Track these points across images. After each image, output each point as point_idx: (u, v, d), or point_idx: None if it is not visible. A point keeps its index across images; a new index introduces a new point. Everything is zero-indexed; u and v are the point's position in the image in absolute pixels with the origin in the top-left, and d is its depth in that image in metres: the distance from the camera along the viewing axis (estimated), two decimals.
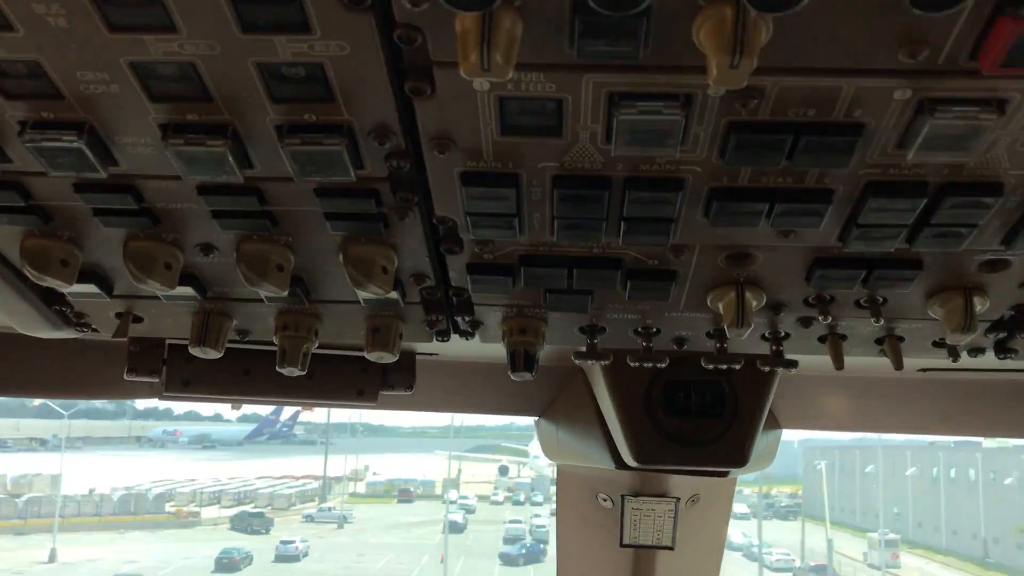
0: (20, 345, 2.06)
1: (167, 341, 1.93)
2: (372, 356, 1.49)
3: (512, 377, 1.47)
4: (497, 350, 1.52)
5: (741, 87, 0.85)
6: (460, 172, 1.09)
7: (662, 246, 1.20)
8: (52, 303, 1.48)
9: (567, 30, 0.87)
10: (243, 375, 1.96)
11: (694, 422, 1.76)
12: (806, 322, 1.41)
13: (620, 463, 1.89)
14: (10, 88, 0.99)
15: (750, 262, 1.25)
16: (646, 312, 1.42)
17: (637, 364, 1.49)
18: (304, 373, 1.49)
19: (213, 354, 1.49)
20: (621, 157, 1.04)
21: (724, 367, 1.47)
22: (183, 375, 1.93)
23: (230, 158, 1.05)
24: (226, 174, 1.07)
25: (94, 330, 1.59)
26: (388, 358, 1.49)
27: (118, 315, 1.53)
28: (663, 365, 1.50)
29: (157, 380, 1.91)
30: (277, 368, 1.48)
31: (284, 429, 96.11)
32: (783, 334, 1.46)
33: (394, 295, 1.33)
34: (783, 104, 0.95)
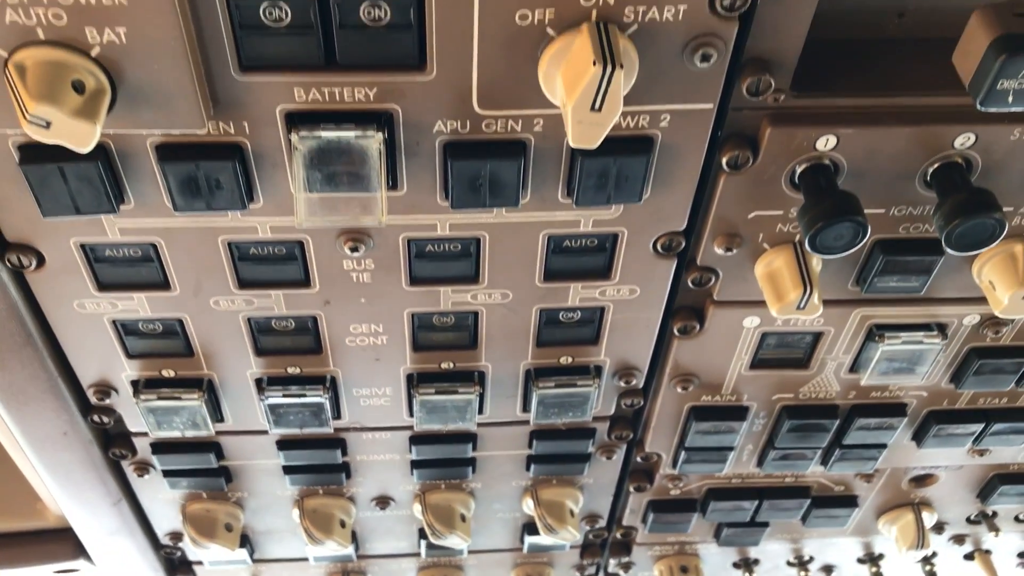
0: None
1: None
2: None
3: None
4: None
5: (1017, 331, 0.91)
6: (692, 407, 1.09)
7: (866, 472, 1.22)
8: (175, 573, 1.36)
9: (857, 269, 0.92)
10: None
11: None
12: (960, 540, 1.43)
13: None
14: (266, 345, 0.96)
15: (932, 482, 1.28)
16: (805, 541, 1.41)
17: None
18: None
19: None
20: (857, 387, 1.07)
21: None
22: None
23: (475, 406, 1.03)
24: (465, 422, 1.05)
25: None
26: None
27: None
28: None
29: None
30: None
31: None
32: (933, 553, 1.47)
33: (577, 539, 1.28)
34: None
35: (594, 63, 0.64)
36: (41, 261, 0.84)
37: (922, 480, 1.28)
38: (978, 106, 0.67)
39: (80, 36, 0.65)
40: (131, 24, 0.64)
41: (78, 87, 0.66)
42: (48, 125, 0.64)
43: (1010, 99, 0.67)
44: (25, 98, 0.64)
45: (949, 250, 0.79)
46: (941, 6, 0.79)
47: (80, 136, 0.65)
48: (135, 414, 1.02)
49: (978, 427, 1.13)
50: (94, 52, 0.65)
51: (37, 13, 0.63)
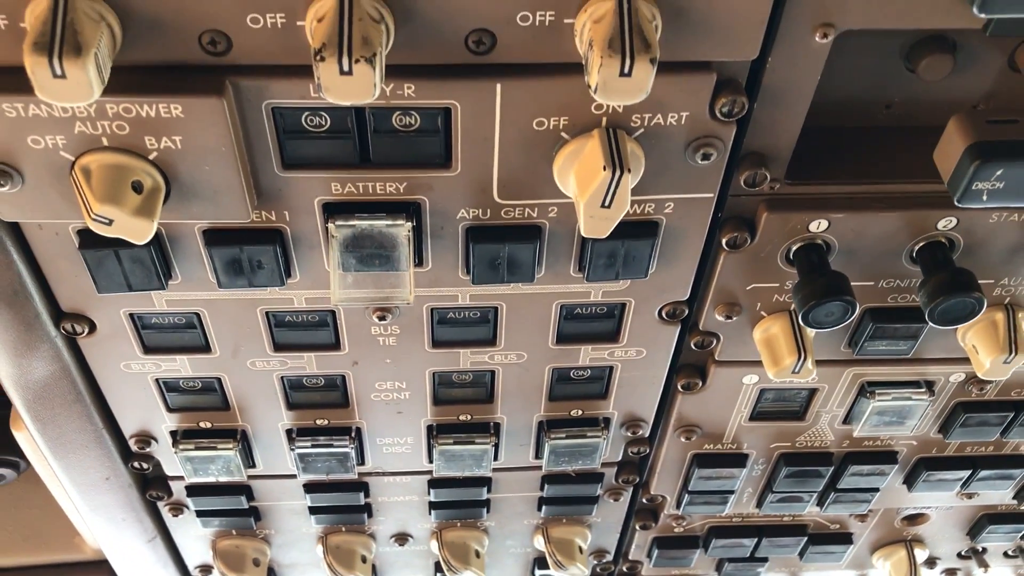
0: None
1: None
2: None
3: None
4: None
5: (1007, 378, 0.97)
6: (695, 454, 1.16)
7: (860, 512, 1.28)
8: None
9: (849, 333, 0.99)
10: None
11: None
12: (951, 573, 1.49)
13: None
14: (297, 400, 1.03)
15: (924, 520, 1.34)
16: (803, 574, 1.48)
17: None
18: None
19: None
20: (850, 436, 1.14)
21: None
22: None
23: (490, 455, 1.10)
24: (481, 469, 1.12)
25: None
26: None
27: None
28: None
29: None
30: None
31: None
32: None
33: (585, 573, 1.35)
34: (1008, 386, 1.08)
35: (604, 167, 0.71)
36: (93, 328, 0.91)
37: (914, 519, 1.35)
38: (956, 203, 0.74)
39: (140, 143, 0.72)
40: (187, 133, 0.71)
41: (137, 187, 0.73)
42: (110, 222, 0.71)
43: (984, 198, 0.74)
44: (90, 199, 0.71)
45: (932, 324, 0.86)
46: (925, 98, 0.86)
47: (139, 231, 0.72)
48: (173, 460, 1.09)
49: (965, 473, 1.19)
50: (152, 156, 0.73)
51: (103, 124, 0.70)
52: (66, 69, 0.59)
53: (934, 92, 0.85)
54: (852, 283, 0.88)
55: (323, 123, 0.74)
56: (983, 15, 0.56)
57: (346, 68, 0.61)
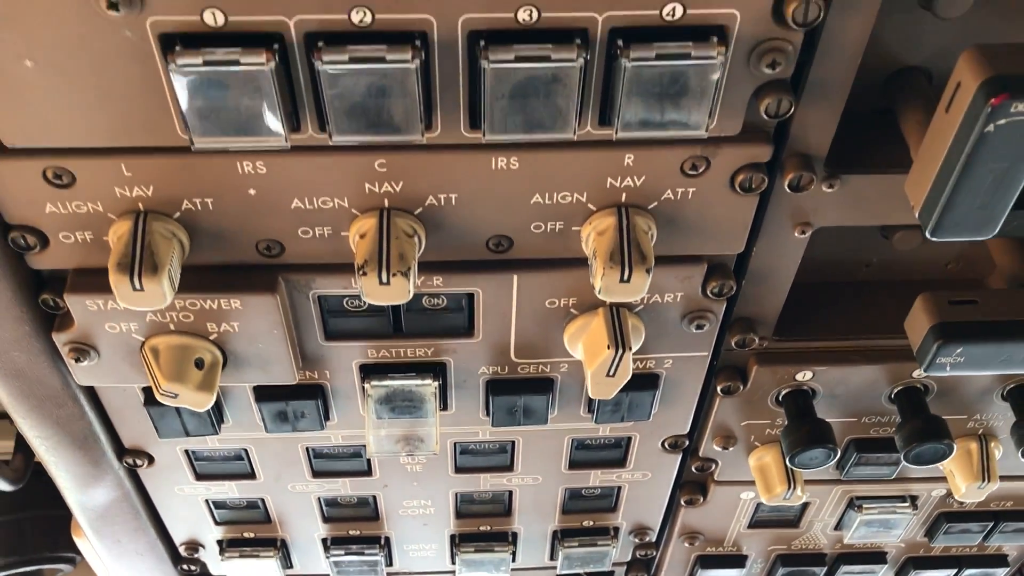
0: None
1: None
2: None
3: None
4: None
5: (980, 501, 1.06)
6: (698, 556, 1.25)
7: None
8: None
9: (836, 460, 1.08)
10: None
11: None
12: None
13: None
14: (332, 514, 1.13)
15: None
16: None
17: None
18: None
19: None
20: (842, 540, 1.23)
21: None
22: None
23: (508, 561, 1.19)
24: (500, 573, 1.21)
25: None
26: None
27: None
28: None
29: None
30: None
31: None
32: None
33: None
34: (987, 498, 1.17)
35: (608, 346, 0.81)
36: (151, 461, 1.01)
37: None
38: (922, 372, 0.83)
39: (202, 328, 0.82)
40: (244, 320, 0.81)
41: (199, 363, 0.83)
42: (176, 396, 0.81)
43: (948, 369, 0.83)
44: (158, 376, 0.81)
45: (908, 464, 0.95)
46: (902, 258, 0.95)
47: (200, 402, 0.82)
48: (218, 563, 1.19)
49: (952, 572, 1.28)
50: (212, 337, 0.83)
51: (170, 315, 0.81)
52: (144, 284, 0.70)
53: (910, 253, 0.94)
54: (836, 419, 0.97)
55: (361, 305, 0.85)
56: (935, 239, 0.65)
57: (385, 280, 0.71)
